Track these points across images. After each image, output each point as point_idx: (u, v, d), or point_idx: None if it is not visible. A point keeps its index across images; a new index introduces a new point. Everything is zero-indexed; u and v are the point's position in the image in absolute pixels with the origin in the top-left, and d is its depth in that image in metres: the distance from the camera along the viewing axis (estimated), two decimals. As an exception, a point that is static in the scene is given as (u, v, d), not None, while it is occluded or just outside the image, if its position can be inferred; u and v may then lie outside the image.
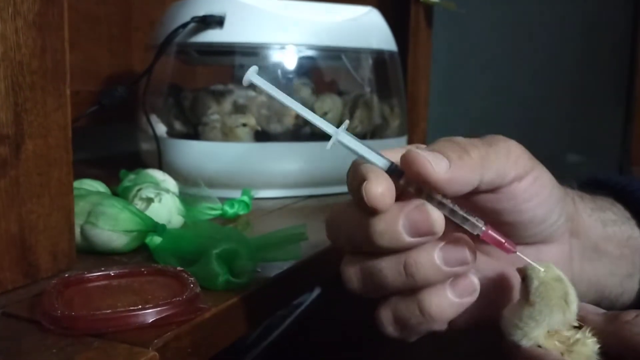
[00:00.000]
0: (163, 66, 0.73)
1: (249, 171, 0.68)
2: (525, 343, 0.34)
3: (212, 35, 0.69)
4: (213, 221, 0.56)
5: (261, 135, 0.71)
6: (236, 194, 0.61)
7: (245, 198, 0.60)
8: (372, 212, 0.31)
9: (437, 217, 0.31)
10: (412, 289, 0.33)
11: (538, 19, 1.89)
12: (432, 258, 0.31)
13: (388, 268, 0.32)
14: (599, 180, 0.46)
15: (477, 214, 0.33)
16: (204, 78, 0.87)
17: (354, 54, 0.76)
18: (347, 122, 0.33)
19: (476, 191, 0.33)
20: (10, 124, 0.37)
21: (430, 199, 0.32)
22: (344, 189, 0.76)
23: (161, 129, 0.74)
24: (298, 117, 0.75)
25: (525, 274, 0.35)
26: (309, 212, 0.66)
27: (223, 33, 0.68)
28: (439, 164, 0.31)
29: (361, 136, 0.76)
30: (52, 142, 0.41)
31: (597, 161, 1.81)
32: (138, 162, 0.74)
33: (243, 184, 0.63)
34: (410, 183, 0.32)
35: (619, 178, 0.46)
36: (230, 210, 0.58)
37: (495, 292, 0.37)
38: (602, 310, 0.35)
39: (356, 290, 0.35)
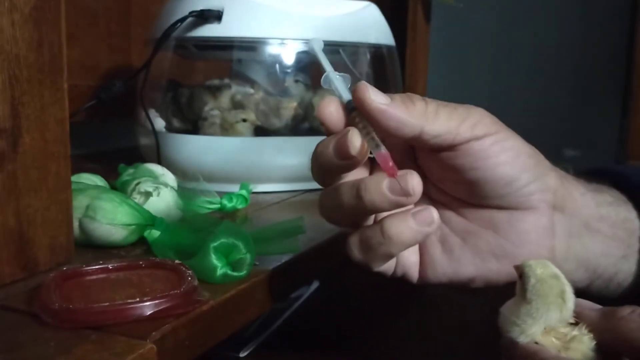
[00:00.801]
0: (161, 61, 0.73)
1: (247, 165, 0.68)
2: (523, 340, 0.34)
3: (210, 30, 0.69)
4: (211, 215, 0.56)
5: (259, 130, 0.71)
6: (234, 188, 0.61)
7: (244, 192, 0.60)
8: (325, 131, 0.37)
9: (355, 141, 0.34)
10: (364, 213, 0.37)
11: (536, 14, 1.89)
12: (379, 184, 0.34)
13: (344, 190, 0.36)
14: (596, 169, 0.47)
15: (439, 170, 0.38)
16: (202, 73, 0.87)
17: (352, 49, 0.76)
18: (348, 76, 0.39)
19: (424, 143, 0.36)
20: (7, 118, 0.38)
21: (363, 130, 0.35)
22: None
23: (160, 123, 0.74)
24: (296, 111, 0.75)
25: (522, 272, 0.35)
26: (307, 206, 0.66)
27: (221, 27, 0.68)
28: (379, 97, 0.35)
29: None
30: (49, 136, 0.41)
31: (593, 156, 1.81)
32: (137, 156, 0.74)
33: (241, 178, 0.63)
34: (359, 116, 0.36)
35: (616, 166, 0.47)
36: (228, 204, 0.58)
37: (466, 252, 0.39)
38: (597, 306, 0.35)
39: (326, 217, 0.40)
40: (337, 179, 0.38)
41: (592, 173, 0.46)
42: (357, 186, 0.35)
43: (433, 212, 0.35)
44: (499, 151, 0.37)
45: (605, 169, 0.46)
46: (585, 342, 0.34)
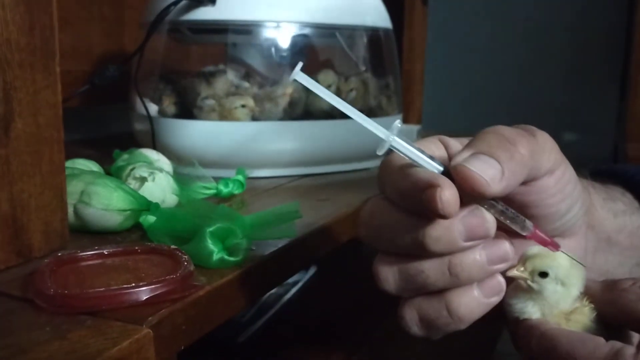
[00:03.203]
0: (155, 45, 0.73)
1: (244, 150, 0.68)
2: (520, 316, 0.34)
3: (204, 13, 0.68)
4: (207, 200, 0.56)
5: (255, 113, 0.70)
6: (230, 173, 0.61)
7: (240, 177, 0.60)
8: (438, 218, 0.30)
9: (491, 220, 0.31)
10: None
11: (534, -3, 1.88)
12: (477, 257, 0.31)
13: (432, 269, 0.32)
14: (609, 169, 0.46)
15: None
16: (197, 57, 0.86)
17: (349, 32, 0.76)
18: (398, 123, 0.32)
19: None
20: (-1, 102, 0.37)
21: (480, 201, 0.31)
22: (337, 168, 0.77)
23: (154, 108, 0.74)
24: (292, 96, 0.75)
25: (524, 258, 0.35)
26: (303, 191, 0.66)
27: (215, 10, 0.68)
28: (493, 174, 0.30)
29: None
30: (42, 120, 0.40)
31: (592, 139, 1.81)
32: (132, 142, 0.74)
33: (237, 164, 0.63)
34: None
35: (629, 167, 0.46)
36: (224, 190, 0.58)
37: None
38: (599, 279, 0.35)
39: (391, 291, 0.34)
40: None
41: (602, 173, 0.45)
42: (448, 264, 0.31)
43: (501, 280, 0.33)
44: (565, 184, 0.34)
45: (616, 171, 0.45)
46: (586, 313, 0.34)
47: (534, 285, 0.34)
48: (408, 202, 0.31)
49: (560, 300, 0.34)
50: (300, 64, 0.30)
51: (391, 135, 0.31)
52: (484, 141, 0.31)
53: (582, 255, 0.38)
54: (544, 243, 0.33)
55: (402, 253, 0.33)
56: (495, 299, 0.33)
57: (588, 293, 0.34)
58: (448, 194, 0.29)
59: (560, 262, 0.34)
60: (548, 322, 0.33)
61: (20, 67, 0.38)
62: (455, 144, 0.36)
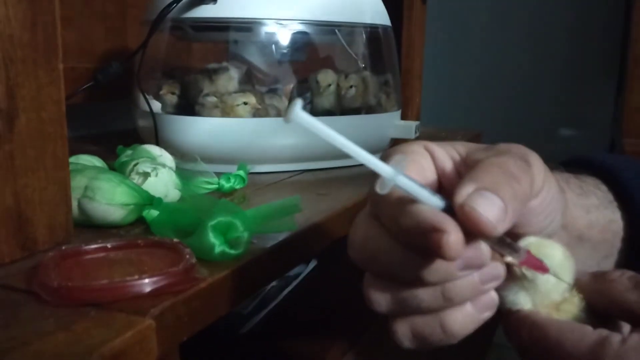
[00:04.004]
0: (158, 42, 0.73)
1: (245, 146, 0.69)
2: (512, 308, 0.35)
3: (206, 11, 0.69)
4: (209, 195, 0.56)
5: (257, 110, 0.71)
6: (232, 169, 0.61)
7: (241, 172, 0.60)
8: (442, 259, 0.29)
9: (487, 251, 0.31)
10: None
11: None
12: (471, 280, 0.31)
13: (426, 294, 0.32)
14: (585, 159, 0.46)
15: None
16: (199, 55, 0.87)
17: (348, 29, 0.76)
18: (404, 161, 0.31)
19: None
20: (3, 98, 0.38)
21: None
22: (337, 163, 0.77)
23: (157, 105, 0.74)
24: (292, 93, 0.75)
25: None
26: (304, 186, 0.66)
27: (217, 8, 0.68)
28: (498, 215, 0.29)
29: (356, 111, 0.76)
30: (45, 116, 0.41)
31: (589, 134, 1.81)
32: (135, 138, 0.74)
33: (239, 159, 0.64)
34: None
35: (606, 157, 0.45)
36: (226, 185, 0.58)
37: None
38: (589, 270, 0.36)
39: (384, 312, 0.34)
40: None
41: (578, 163, 0.45)
42: (443, 289, 0.31)
43: (493, 295, 0.33)
44: (548, 203, 0.35)
45: (593, 161, 0.45)
46: (575, 303, 0.34)
47: (527, 273, 0.34)
48: (409, 239, 0.30)
49: (552, 290, 0.34)
50: (299, 103, 0.27)
51: (397, 174, 0.29)
52: (489, 175, 0.31)
53: None
54: (536, 268, 0.33)
55: (395, 279, 0.32)
56: (488, 314, 0.33)
57: (577, 283, 0.35)
58: (454, 239, 0.28)
59: (554, 253, 0.34)
60: (539, 313, 0.34)
61: (23, 64, 0.39)
62: (442, 154, 0.35)
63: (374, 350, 0.70)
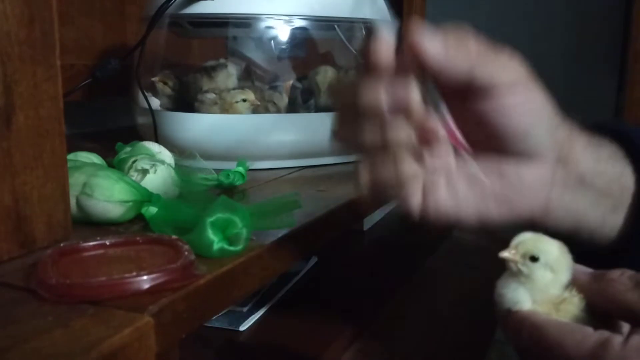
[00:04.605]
0: (156, 39, 0.73)
1: (244, 143, 0.68)
2: (513, 307, 0.35)
3: (204, 7, 0.68)
4: (209, 192, 0.56)
5: (256, 107, 0.71)
6: (231, 165, 0.61)
7: (241, 169, 0.60)
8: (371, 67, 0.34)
9: (415, 96, 0.34)
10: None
11: (533, -13, 1.87)
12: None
13: (370, 131, 0.36)
14: (601, 123, 0.46)
15: (462, 112, 0.37)
16: (198, 51, 0.87)
17: (347, 25, 0.76)
18: None
19: (469, 88, 0.35)
20: (0, 95, 0.37)
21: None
22: (338, 159, 0.77)
23: (156, 102, 0.74)
24: (292, 89, 0.75)
25: (527, 250, 0.35)
26: (303, 182, 0.66)
27: (215, 4, 0.68)
28: (434, 44, 0.34)
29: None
30: (43, 113, 0.41)
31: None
32: (134, 135, 0.74)
33: (238, 156, 0.63)
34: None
35: (621, 124, 0.46)
36: (225, 181, 0.58)
37: (469, 194, 0.39)
38: (588, 269, 0.36)
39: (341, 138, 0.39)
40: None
41: (596, 127, 0.45)
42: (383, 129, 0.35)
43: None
44: (525, 102, 0.37)
45: (610, 125, 0.45)
46: (575, 303, 0.34)
47: (523, 269, 0.34)
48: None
49: (549, 285, 0.34)
50: None
51: None
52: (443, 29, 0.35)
53: (547, 187, 0.39)
54: (454, 140, 0.35)
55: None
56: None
57: (577, 283, 0.35)
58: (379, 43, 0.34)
59: (550, 248, 0.35)
60: (538, 313, 0.34)
61: (20, 60, 0.39)
62: None
63: (375, 346, 0.70)
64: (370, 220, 1.07)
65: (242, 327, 0.65)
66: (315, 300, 0.74)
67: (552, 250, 0.35)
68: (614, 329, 0.34)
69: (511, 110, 0.36)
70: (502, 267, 0.36)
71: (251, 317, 0.67)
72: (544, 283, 0.34)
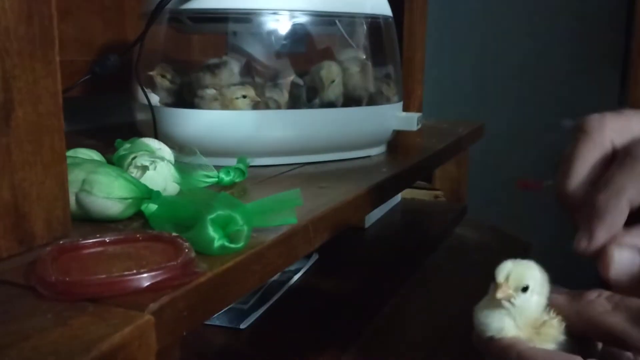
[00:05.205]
0: (156, 35, 0.73)
1: (245, 139, 0.68)
2: (497, 335, 0.35)
3: (204, 2, 0.68)
4: (209, 188, 0.56)
5: (257, 103, 0.70)
6: (232, 162, 0.61)
7: (241, 165, 0.60)
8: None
9: None
10: None
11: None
12: None
13: None
14: None
15: None
16: (198, 47, 0.86)
17: (348, 20, 0.75)
18: None
19: None
20: (-1, 91, 0.37)
21: None
22: (338, 156, 0.77)
23: (156, 98, 0.74)
24: (293, 85, 0.75)
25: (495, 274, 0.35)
26: (304, 179, 0.66)
27: (215, -1, 0.68)
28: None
29: (357, 103, 0.75)
30: (42, 109, 0.40)
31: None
32: (133, 131, 0.74)
33: (239, 152, 0.63)
34: None
35: None
36: (226, 178, 0.58)
37: None
38: (563, 289, 0.36)
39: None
40: None
41: None
42: None
43: None
44: None
45: None
46: (555, 326, 0.35)
47: (516, 302, 0.34)
48: None
49: (533, 309, 0.35)
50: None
51: None
52: None
53: None
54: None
55: None
56: None
57: (554, 303, 0.35)
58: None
59: (535, 273, 0.35)
60: (522, 341, 0.34)
61: (19, 56, 0.38)
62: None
63: (375, 344, 0.70)
64: (371, 218, 1.07)
65: (243, 325, 0.65)
66: (315, 297, 0.74)
67: (536, 275, 0.35)
68: (591, 349, 0.34)
69: None
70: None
71: (252, 314, 0.67)
72: (528, 308, 0.34)
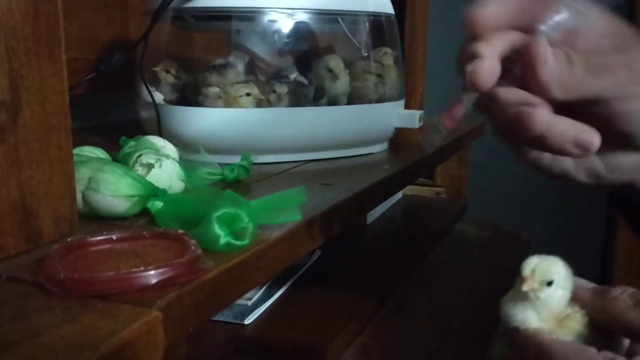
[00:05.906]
0: (160, 33, 0.73)
1: (249, 137, 0.68)
2: (521, 326, 0.36)
3: (207, 0, 0.68)
4: (214, 186, 0.56)
5: (260, 101, 0.70)
6: (236, 159, 0.61)
7: (245, 163, 0.60)
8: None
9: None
10: None
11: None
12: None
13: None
14: None
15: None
16: (201, 45, 0.86)
17: (351, 18, 0.76)
18: None
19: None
20: (6, 91, 0.38)
21: None
22: (341, 153, 0.77)
23: (160, 96, 0.74)
24: (296, 82, 0.75)
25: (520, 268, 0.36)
26: (307, 176, 0.66)
27: (218, -3, 0.68)
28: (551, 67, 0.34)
29: (358, 100, 0.76)
30: (49, 108, 0.41)
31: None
32: (138, 129, 0.74)
33: (242, 150, 0.63)
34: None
35: None
36: (230, 175, 0.58)
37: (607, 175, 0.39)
38: (590, 284, 0.37)
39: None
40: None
41: None
42: None
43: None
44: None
45: None
46: (578, 319, 0.36)
47: (541, 295, 0.35)
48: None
49: (556, 303, 0.36)
50: None
51: None
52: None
53: None
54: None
55: None
56: None
57: (578, 299, 0.36)
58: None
59: (560, 268, 0.36)
60: (544, 332, 0.35)
61: (26, 55, 0.39)
62: None
63: (378, 339, 0.70)
64: (374, 214, 1.07)
65: (247, 321, 0.65)
66: (319, 293, 0.74)
67: (561, 269, 0.36)
68: (615, 343, 0.35)
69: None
70: (504, 262, 0.37)
71: (256, 310, 0.67)
72: (553, 302, 0.35)
